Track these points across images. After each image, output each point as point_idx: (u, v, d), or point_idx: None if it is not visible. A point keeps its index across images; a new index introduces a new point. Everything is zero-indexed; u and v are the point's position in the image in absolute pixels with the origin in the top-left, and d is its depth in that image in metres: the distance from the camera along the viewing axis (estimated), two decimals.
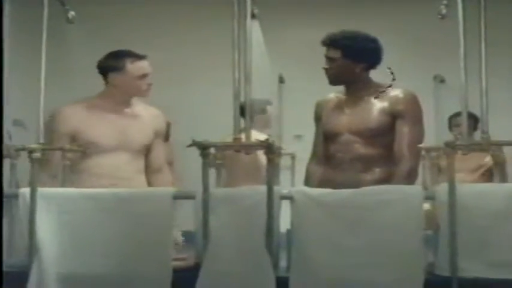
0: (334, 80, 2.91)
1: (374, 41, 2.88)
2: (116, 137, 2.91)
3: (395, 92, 2.85)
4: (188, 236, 2.54)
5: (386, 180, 2.70)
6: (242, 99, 2.31)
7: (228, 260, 2.18)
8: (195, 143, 2.18)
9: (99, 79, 3.02)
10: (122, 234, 2.25)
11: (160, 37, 4.77)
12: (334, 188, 2.33)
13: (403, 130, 2.78)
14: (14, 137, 2.56)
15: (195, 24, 4.93)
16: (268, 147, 2.18)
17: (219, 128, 3.56)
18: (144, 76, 2.95)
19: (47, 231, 2.26)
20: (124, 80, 2.93)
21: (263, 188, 2.18)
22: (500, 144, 2.27)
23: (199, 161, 2.21)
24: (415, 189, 2.27)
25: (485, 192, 2.22)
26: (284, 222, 2.28)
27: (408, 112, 2.80)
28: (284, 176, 3.71)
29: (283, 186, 3.18)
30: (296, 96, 4.64)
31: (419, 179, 2.74)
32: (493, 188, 2.35)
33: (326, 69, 2.89)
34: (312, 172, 2.97)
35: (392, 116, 2.81)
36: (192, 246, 2.33)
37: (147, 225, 2.26)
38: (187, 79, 4.87)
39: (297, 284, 2.19)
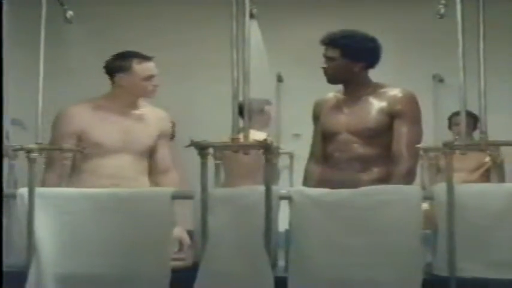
0: (332, 79, 2.91)
1: (373, 41, 2.88)
2: (120, 139, 2.93)
3: (394, 92, 2.85)
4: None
5: (384, 180, 2.70)
6: (241, 98, 2.31)
7: (226, 260, 2.18)
8: (193, 143, 2.18)
9: (97, 79, 3.03)
10: (120, 234, 2.25)
11: (159, 37, 4.76)
12: (333, 187, 2.32)
13: (402, 130, 2.78)
14: (13, 137, 2.56)
15: (193, 24, 4.92)
16: (266, 148, 2.18)
17: (218, 128, 3.57)
18: (150, 77, 2.97)
19: (45, 231, 2.26)
20: (130, 81, 2.95)
21: (261, 188, 2.18)
22: (498, 145, 2.27)
23: (197, 160, 2.21)
24: (413, 189, 2.27)
25: (483, 192, 2.22)
26: (283, 223, 2.28)
27: (407, 112, 2.80)
28: (282, 175, 3.72)
29: (282, 185, 3.19)
30: (294, 95, 4.64)
31: (418, 178, 2.74)
32: (492, 188, 2.34)
33: (324, 69, 2.89)
34: (311, 172, 2.97)
35: (391, 116, 2.81)
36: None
37: (145, 225, 2.26)
38: (186, 79, 4.87)
39: (295, 284, 2.19)
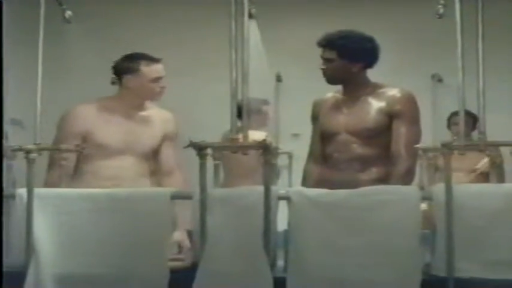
0: (331, 80, 2.91)
1: (370, 41, 2.88)
2: (123, 140, 2.94)
3: (393, 92, 2.85)
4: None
5: (384, 180, 2.70)
6: (239, 98, 2.31)
7: (225, 260, 2.18)
8: (192, 144, 2.18)
9: (96, 78, 3.02)
10: (119, 234, 2.25)
11: (158, 36, 4.75)
12: (332, 187, 2.32)
13: (401, 130, 2.78)
14: (11, 137, 2.56)
15: (192, 23, 4.92)
16: (265, 148, 2.18)
17: (217, 127, 3.57)
18: (157, 79, 2.97)
19: (44, 231, 2.26)
20: (138, 83, 2.95)
21: (260, 189, 2.18)
22: (497, 145, 2.27)
23: (197, 161, 2.21)
24: (412, 190, 2.27)
25: (482, 193, 2.22)
26: (282, 223, 2.28)
27: (405, 112, 2.80)
28: (281, 175, 3.72)
29: (281, 185, 3.19)
30: (293, 94, 4.63)
31: (416, 178, 2.74)
32: (490, 188, 2.34)
33: (323, 70, 2.88)
34: (310, 172, 2.97)
35: (390, 116, 2.81)
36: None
37: (144, 225, 2.26)
38: (185, 79, 4.86)
39: (294, 284, 2.19)
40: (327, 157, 2.91)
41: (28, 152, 2.28)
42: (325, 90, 3.03)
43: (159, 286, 2.21)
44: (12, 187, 2.40)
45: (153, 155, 3.04)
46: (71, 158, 2.84)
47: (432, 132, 4.19)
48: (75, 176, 2.91)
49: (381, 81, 2.94)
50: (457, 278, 2.14)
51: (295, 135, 4.47)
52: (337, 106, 2.94)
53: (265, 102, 4.03)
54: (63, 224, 2.27)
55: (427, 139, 2.97)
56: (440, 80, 4.89)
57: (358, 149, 2.82)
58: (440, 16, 2.62)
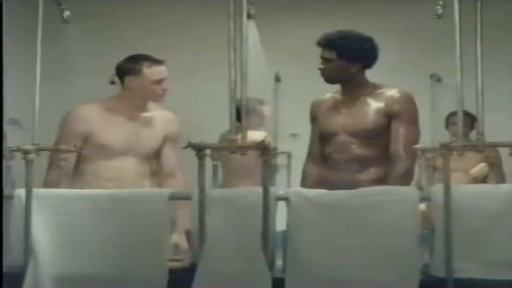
0: (329, 80, 2.91)
1: (369, 41, 2.88)
2: (125, 141, 2.94)
3: (391, 92, 2.85)
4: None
5: (382, 180, 2.70)
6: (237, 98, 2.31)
7: (224, 261, 2.18)
8: (190, 145, 2.18)
9: (95, 78, 3.02)
10: (117, 235, 2.25)
11: (156, 37, 4.75)
12: (331, 188, 2.32)
13: (399, 130, 2.78)
14: (10, 137, 2.55)
15: (191, 23, 4.92)
16: (264, 149, 2.18)
17: (216, 127, 3.56)
18: (159, 81, 2.97)
19: (43, 232, 2.26)
20: (140, 84, 2.96)
21: (259, 189, 2.18)
22: (495, 146, 2.27)
23: (195, 161, 2.21)
24: (411, 190, 2.27)
25: (480, 194, 2.22)
26: (280, 223, 2.27)
27: (404, 112, 2.80)
28: (280, 175, 3.72)
29: (279, 185, 3.19)
30: (292, 94, 4.63)
31: (415, 179, 2.74)
32: (489, 189, 2.35)
33: (321, 70, 2.88)
34: (309, 172, 2.97)
35: (388, 116, 2.80)
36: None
37: (142, 226, 2.26)
38: (184, 79, 4.86)
39: (292, 284, 2.19)
40: (325, 157, 2.91)
41: (26, 152, 2.28)
42: (324, 90, 3.03)
43: (158, 286, 2.21)
44: (12, 188, 2.40)
45: (154, 156, 3.04)
46: (70, 158, 2.84)
47: (431, 132, 4.19)
48: (77, 176, 2.92)
49: (380, 80, 2.94)
50: (456, 279, 2.14)
51: (294, 135, 4.48)
52: (335, 106, 2.93)
53: (260, 101, 4.03)
54: (62, 224, 2.27)
55: (426, 139, 2.97)
56: (439, 80, 4.89)
57: (357, 149, 2.82)
58: (439, 17, 2.62)
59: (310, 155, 3.01)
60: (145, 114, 3.03)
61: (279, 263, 2.31)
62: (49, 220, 2.27)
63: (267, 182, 2.18)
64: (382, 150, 2.80)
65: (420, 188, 2.38)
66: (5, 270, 2.01)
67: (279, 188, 2.35)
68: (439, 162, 2.28)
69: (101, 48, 4.55)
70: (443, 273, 2.16)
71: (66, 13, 2.74)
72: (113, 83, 3.09)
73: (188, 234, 2.42)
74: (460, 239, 2.14)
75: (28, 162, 2.28)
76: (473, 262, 2.16)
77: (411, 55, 4.87)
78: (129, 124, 2.97)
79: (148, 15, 4.99)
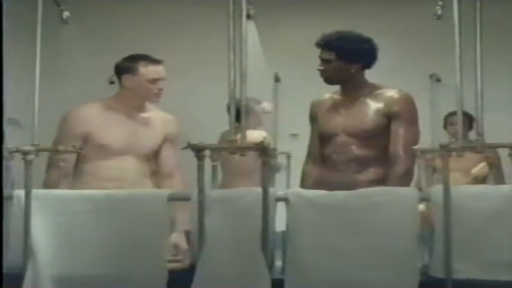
0: (329, 81, 2.90)
1: (368, 41, 2.87)
2: (125, 141, 2.94)
3: (391, 93, 2.85)
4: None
5: (382, 181, 2.70)
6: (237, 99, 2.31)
7: (223, 262, 2.18)
8: (189, 145, 2.17)
9: (93, 79, 3.03)
10: (117, 235, 2.25)
11: (155, 37, 4.75)
12: (330, 188, 2.32)
13: (399, 131, 2.78)
14: (9, 136, 2.54)
15: (190, 24, 4.92)
16: (263, 150, 2.17)
17: (215, 127, 3.56)
18: (155, 80, 2.97)
19: (42, 232, 2.26)
20: (135, 82, 2.96)
21: (258, 190, 2.18)
22: (495, 147, 2.27)
23: (194, 161, 2.21)
24: (410, 191, 2.27)
25: (480, 194, 2.22)
26: (280, 224, 2.27)
27: (403, 113, 2.80)
28: (279, 175, 3.72)
29: (279, 185, 3.19)
30: (292, 95, 4.63)
31: (414, 179, 2.74)
32: (488, 189, 2.35)
33: (321, 71, 2.88)
34: (308, 173, 2.96)
35: (388, 117, 2.80)
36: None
37: (142, 226, 2.25)
38: (183, 79, 4.86)
39: (292, 285, 2.19)
40: (325, 158, 2.91)
41: (26, 153, 2.28)
42: (324, 90, 3.03)
43: (157, 287, 2.20)
44: (11, 188, 2.40)
45: (153, 156, 3.05)
46: (69, 158, 2.85)
47: (430, 132, 4.19)
48: (76, 177, 2.92)
49: (379, 81, 2.94)
50: (455, 279, 2.14)
51: (294, 135, 4.48)
52: (335, 107, 2.93)
53: (257, 101, 4.03)
54: (61, 225, 2.27)
55: (426, 139, 2.97)
56: (438, 80, 4.89)
57: (356, 150, 2.82)
58: (439, 17, 2.62)
59: (309, 156, 3.01)
60: (144, 115, 3.04)
61: (278, 263, 2.31)
62: (48, 221, 2.27)
63: (266, 182, 2.18)
64: (381, 150, 2.79)
65: (419, 189, 2.38)
66: (4, 270, 2.01)
67: (278, 189, 2.34)
68: (438, 162, 2.28)
69: (100, 48, 4.55)
70: (442, 273, 2.16)
71: (66, 14, 2.75)
72: (112, 82, 3.09)
73: (187, 234, 2.42)
74: (459, 240, 2.14)
75: (27, 163, 2.28)
76: (473, 263, 2.16)
77: (411, 55, 4.87)
78: (128, 124, 2.97)
79: (148, 15, 4.99)
